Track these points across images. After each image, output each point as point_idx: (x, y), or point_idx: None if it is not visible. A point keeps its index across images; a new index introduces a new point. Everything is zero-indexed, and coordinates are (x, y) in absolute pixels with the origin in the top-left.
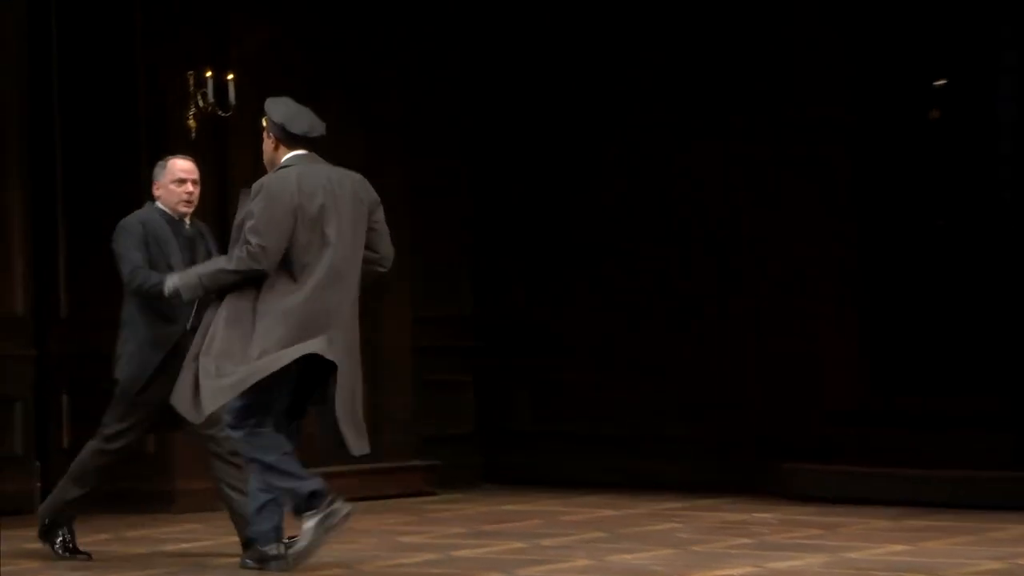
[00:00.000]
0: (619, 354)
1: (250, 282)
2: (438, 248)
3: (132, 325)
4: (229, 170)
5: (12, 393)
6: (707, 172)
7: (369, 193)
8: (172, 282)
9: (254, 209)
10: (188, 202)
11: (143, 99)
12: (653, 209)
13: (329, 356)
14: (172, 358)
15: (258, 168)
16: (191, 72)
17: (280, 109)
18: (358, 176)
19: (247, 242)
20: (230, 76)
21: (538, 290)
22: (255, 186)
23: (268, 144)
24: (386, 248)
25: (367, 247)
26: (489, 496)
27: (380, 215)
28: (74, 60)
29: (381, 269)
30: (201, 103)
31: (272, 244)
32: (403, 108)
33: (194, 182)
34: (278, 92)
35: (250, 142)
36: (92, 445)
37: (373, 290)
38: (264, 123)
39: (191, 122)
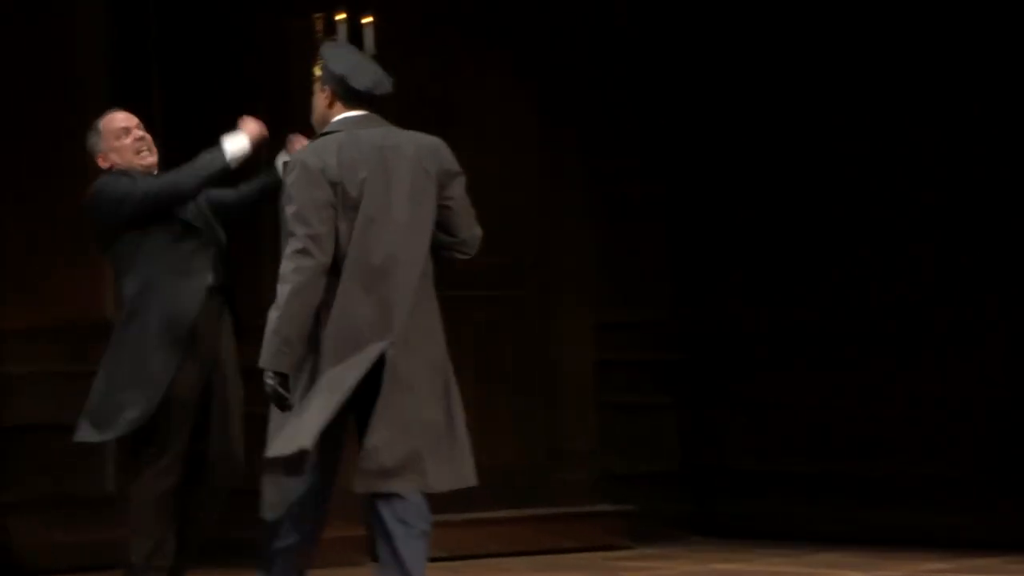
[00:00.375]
0: (866, 375)
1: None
2: (626, 238)
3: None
4: None
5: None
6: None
7: (440, 161)
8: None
9: (291, 190)
10: (148, 150)
11: (260, 49)
12: (905, 194)
13: (388, 363)
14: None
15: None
16: (319, 15)
17: (341, 57)
18: (430, 141)
19: (293, 234)
20: (367, 20)
21: (756, 290)
22: (292, 159)
23: (321, 99)
24: (467, 229)
25: (441, 228)
26: (697, 551)
27: (457, 189)
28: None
29: (461, 255)
30: None
31: (322, 230)
32: (584, 75)
33: (139, 126)
34: (424, 43)
35: (391, 101)
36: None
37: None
38: (318, 72)
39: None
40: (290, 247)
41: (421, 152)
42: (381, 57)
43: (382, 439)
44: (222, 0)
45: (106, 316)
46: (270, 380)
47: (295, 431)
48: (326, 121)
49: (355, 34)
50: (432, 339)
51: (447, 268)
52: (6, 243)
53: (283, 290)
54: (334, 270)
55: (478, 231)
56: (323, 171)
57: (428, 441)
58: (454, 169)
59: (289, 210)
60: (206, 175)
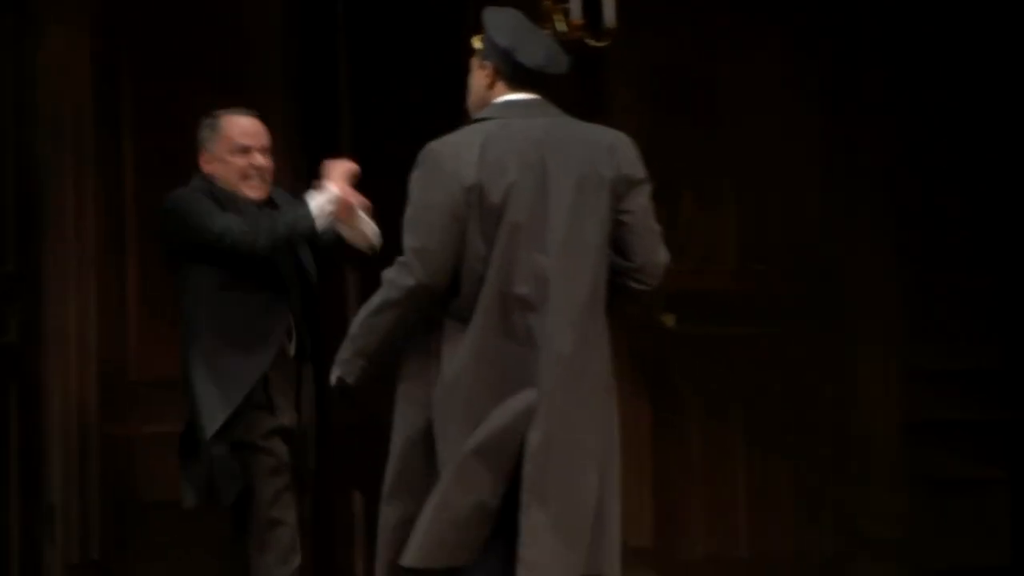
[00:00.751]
0: None
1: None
2: (940, 263)
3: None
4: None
5: None
6: None
7: (618, 163)
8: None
9: (412, 186)
10: (260, 181)
11: (473, 23)
12: None
13: (532, 436)
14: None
15: (643, 123)
16: None
17: (507, 26)
18: (609, 137)
19: (395, 263)
20: None
21: None
22: (425, 149)
23: (480, 78)
24: (645, 253)
25: (614, 250)
26: None
27: (638, 200)
28: None
29: (638, 286)
30: (561, 27)
31: (433, 245)
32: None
33: (263, 150)
34: (677, 13)
35: (641, 86)
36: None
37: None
38: (476, 44)
39: None
40: (400, 257)
41: (595, 151)
42: (624, 30)
43: (542, 555)
44: None
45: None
46: (335, 380)
47: (417, 534)
48: (484, 104)
49: (592, 3)
50: (596, 396)
51: (624, 302)
52: None
53: (375, 300)
54: (466, 299)
55: (662, 256)
56: (456, 171)
57: (584, 535)
58: (636, 175)
59: (408, 211)
60: (285, 238)
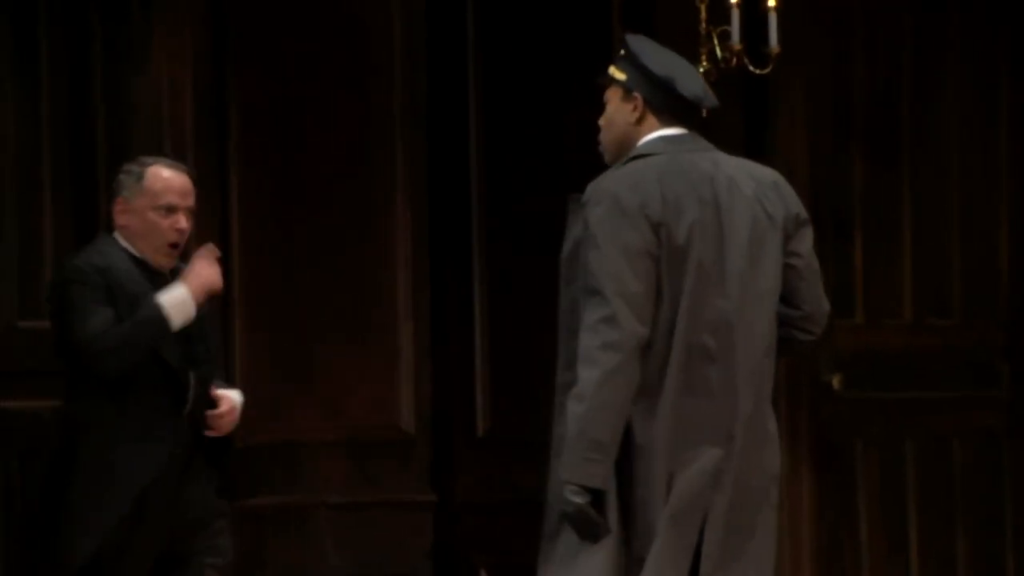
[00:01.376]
0: None
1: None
2: None
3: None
4: (760, 162)
5: (395, 565)
6: None
7: (786, 203)
8: None
9: (596, 231)
10: (174, 245)
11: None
12: None
13: (718, 500)
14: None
15: (822, 159)
16: (703, 1)
17: (660, 55)
18: (769, 175)
19: (597, 294)
20: (772, 3)
21: None
22: (589, 191)
23: (625, 111)
24: (814, 300)
25: (781, 298)
26: None
27: (806, 242)
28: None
29: (805, 337)
30: (721, 52)
31: (638, 288)
32: None
33: (188, 212)
34: (854, 32)
35: (805, 117)
36: None
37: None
38: (617, 74)
39: None
40: (594, 313)
41: (761, 190)
42: (789, 55)
43: None
44: None
45: (402, 428)
46: (576, 498)
47: None
48: (629, 141)
49: (755, 26)
50: (770, 446)
51: (786, 353)
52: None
53: (588, 375)
54: (656, 350)
55: (826, 304)
56: (642, 207)
57: None
58: (803, 214)
59: (593, 259)
60: (134, 348)
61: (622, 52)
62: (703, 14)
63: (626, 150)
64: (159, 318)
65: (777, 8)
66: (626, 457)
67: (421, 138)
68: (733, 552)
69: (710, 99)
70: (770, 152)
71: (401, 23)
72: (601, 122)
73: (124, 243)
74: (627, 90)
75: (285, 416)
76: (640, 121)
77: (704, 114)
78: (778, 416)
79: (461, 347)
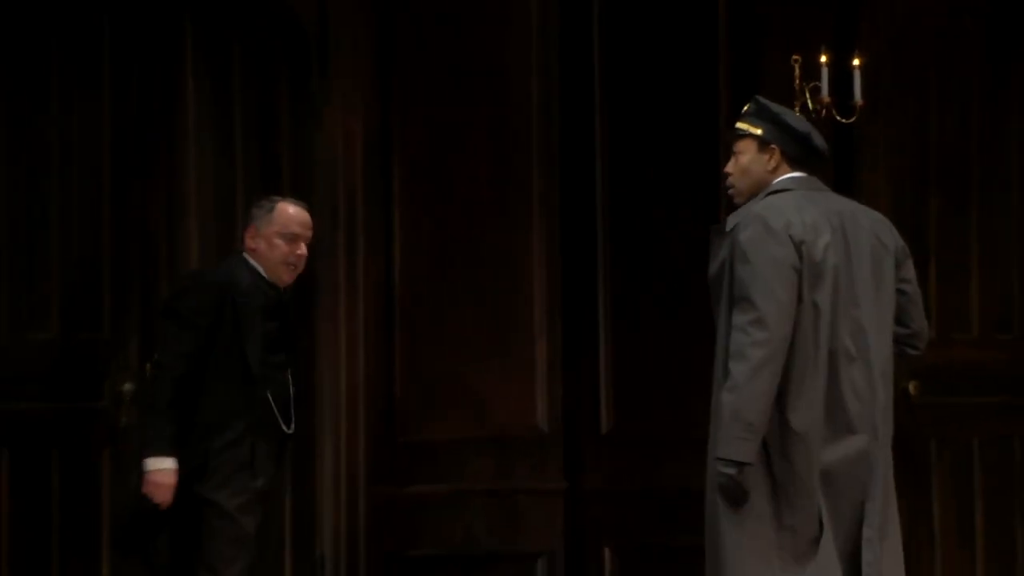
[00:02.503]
0: None
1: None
2: None
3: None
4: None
5: (533, 544)
6: None
7: (895, 237)
8: None
9: (747, 247)
10: (294, 267)
11: (725, 100)
12: None
13: (873, 479)
14: None
15: (901, 198)
16: (796, 57)
17: (793, 114)
18: (877, 214)
19: (747, 299)
20: (857, 62)
21: None
22: (736, 217)
23: (760, 161)
24: (920, 320)
25: (895, 319)
26: None
27: (912, 270)
28: (619, 46)
29: (912, 351)
30: (811, 104)
31: (782, 296)
32: None
33: (306, 241)
34: (929, 88)
35: (889, 161)
36: None
37: None
38: (753, 130)
39: None
40: (744, 316)
41: (876, 225)
42: (871, 107)
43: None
44: (683, 32)
45: (538, 427)
46: (728, 470)
47: None
48: (764, 185)
49: (842, 80)
50: (889, 442)
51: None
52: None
53: (741, 368)
54: (804, 350)
55: (927, 325)
56: (786, 227)
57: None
58: (907, 249)
59: (743, 272)
60: (143, 423)
61: (754, 110)
62: (797, 71)
63: (758, 193)
64: (144, 445)
65: (861, 66)
66: (784, 442)
67: (554, 184)
68: (887, 520)
69: (827, 149)
70: (856, 192)
71: (538, 79)
72: (732, 169)
73: (252, 262)
74: (764, 143)
75: (441, 419)
76: (776, 169)
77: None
78: None
79: (588, 359)
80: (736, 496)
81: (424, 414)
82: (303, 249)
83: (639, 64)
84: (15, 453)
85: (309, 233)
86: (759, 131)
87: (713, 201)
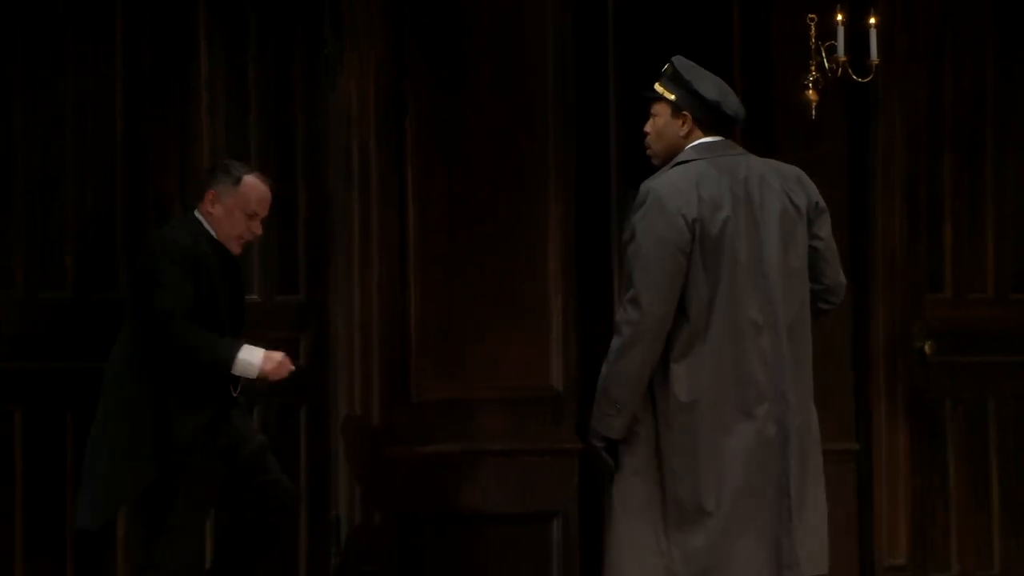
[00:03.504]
0: None
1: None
2: None
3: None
4: (871, 165)
5: (547, 504)
6: None
7: (808, 194)
8: None
9: (636, 226)
10: (246, 242)
11: (738, 59)
12: None
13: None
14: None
15: (916, 157)
16: (812, 16)
17: (709, 79)
18: (793, 171)
19: (630, 278)
20: (872, 21)
21: None
22: (643, 188)
23: (675, 126)
24: (834, 275)
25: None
26: None
27: (826, 227)
28: (633, 5)
29: (827, 306)
30: (827, 64)
31: (661, 276)
32: None
33: (263, 220)
34: (944, 46)
35: (903, 124)
36: None
37: None
38: (667, 95)
39: (810, 93)
40: (625, 294)
41: (787, 184)
42: (887, 66)
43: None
44: None
45: (553, 387)
46: (596, 442)
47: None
48: (677, 149)
49: (857, 40)
50: (810, 408)
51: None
52: (456, 306)
53: (614, 345)
54: (696, 325)
55: (843, 278)
56: (679, 207)
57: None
58: (822, 203)
59: (630, 249)
60: (198, 355)
61: (671, 73)
62: (812, 30)
63: (673, 155)
64: (226, 360)
65: (877, 25)
66: (669, 413)
67: (570, 144)
68: (804, 494)
69: (743, 113)
70: (872, 150)
71: (553, 39)
72: (650, 131)
73: (206, 225)
74: (677, 108)
75: (453, 377)
76: (689, 134)
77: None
78: (877, 379)
79: (603, 318)
80: (604, 466)
81: (438, 374)
82: (260, 228)
83: (653, 22)
84: (29, 413)
85: (267, 205)
86: (672, 96)
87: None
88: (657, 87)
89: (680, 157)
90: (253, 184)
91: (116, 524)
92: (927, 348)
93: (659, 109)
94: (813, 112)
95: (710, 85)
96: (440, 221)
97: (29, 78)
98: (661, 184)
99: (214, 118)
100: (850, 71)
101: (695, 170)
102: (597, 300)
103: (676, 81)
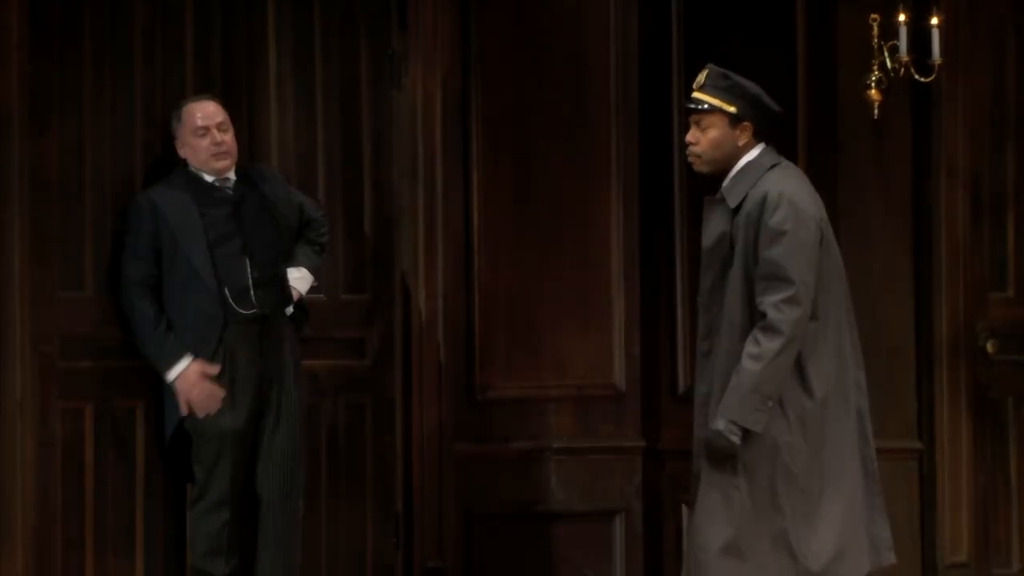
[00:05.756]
0: None
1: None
2: None
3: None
4: (935, 164)
5: (611, 501)
6: None
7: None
8: None
9: (784, 227)
10: (219, 155)
11: (802, 59)
12: None
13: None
14: None
15: (980, 155)
16: (875, 16)
17: (759, 89)
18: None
19: (781, 278)
20: (935, 21)
21: None
22: (736, 192)
23: (732, 136)
24: None
25: None
26: None
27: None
28: (697, 6)
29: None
30: (890, 63)
31: (811, 276)
32: None
33: (221, 127)
34: (1006, 44)
35: (967, 122)
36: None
37: None
38: (724, 105)
39: (873, 93)
40: (779, 294)
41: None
42: (948, 64)
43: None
44: None
45: (616, 385)
46: (734, 437)
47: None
48: (732, 160)
49: (920, 40)
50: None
51: None
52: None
53: (774, 343)
54: (821, 322)
55: None
56: (809, 209)
57: None
58: None
59: (775, 253)
60: (134, 330)
61: (724, 84)
62: (875, 30)
63: (727, 165)
64: (148, 355)
65: (940, 25)
66: (804, 405)
67: (633, 143)
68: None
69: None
70: (935, 149)
71: (616, 37)
72: (696, 140)
73: (192, 169)
74: (737, 119)
75: (519, 376)
76: (745, 144)
77: None
78: (940, 378)
79: (666, 318)
80: (726, 458)
81: (503, 372)
82: (220, 136)
83: (717, 24)
84: (98, 409)
85: (219, 118)
86: (732, 109)
87: (791, 160)
88: (713, 100)
89: (765, 161)
90: (191, 107)
91: (187, 519)
92: (990, 347)
93: (713, 121)
94: (876, 111)
95: (767, 96)
96: (505, 221)
97: (98, 81)
98: (788, 188)
99: (282, 118)
100: (913, 71)
101: (794, 173)
102: (660, 298)
103: (733, 92)
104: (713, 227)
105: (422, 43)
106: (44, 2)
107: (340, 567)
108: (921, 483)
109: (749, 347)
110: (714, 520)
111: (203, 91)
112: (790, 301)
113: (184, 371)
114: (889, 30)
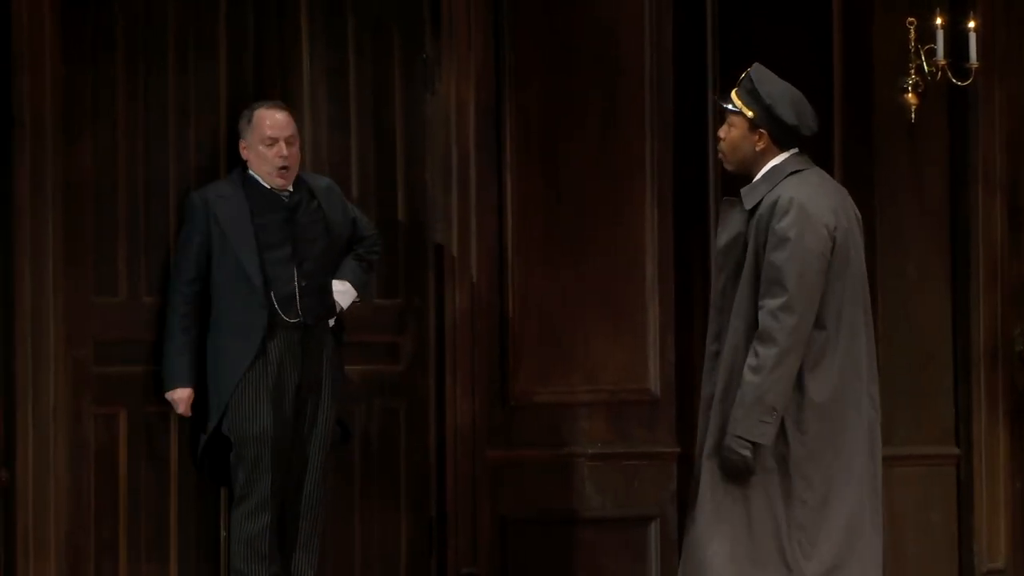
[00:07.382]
0: None
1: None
2: None
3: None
4: (971, 168)
5: (646, 507)
6: None
7: (857, 212)
8: None
9: (788, 234)
10: (282, 171)
11: (838, 62)
12: None
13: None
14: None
15: (1018, 159)
16: (912, 19)
17: (784, 93)
18: (841, 187)
19: (780, 285)
20: (972, 24)
21: None
22: (754, 194)
23: (750, 140)
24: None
25: None
26: None
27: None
28: (732, 12)
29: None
30: (926, 67)
31: (812, 283)
32: None
33: (289, 141)
34: None
35: (1003, 126)
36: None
37: None
38: (744, 109)
39: (909, 96)
40: (775, 301)
41: (849, 200)
42: (986, 68)
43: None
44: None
45: (650, 390)
46: (744, 451)
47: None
48: (752, 162)
49: (958, 43)
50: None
51: None
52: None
53: (770, 353)
54: (829, 331)
55: None
56: (821, 216)
57: None
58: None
59: (778, 257)
60: (166, 341)
61: (749, 88)
62: (912, 34)
63: (748, 167)
64: (166, 374)
65: (977, 28)
66: (801, 412)
67: (667, 150)
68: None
69: (816, 128)
70: (972, 153)
71: (651, 44)
72: (724, 137)
73: (250, 172)
74: (754, 125)
75: (553, 382)
76: (764, 151)
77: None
78: (977, 383)
79: (700, 322)
80: (742, 474)
81: (537, 378)
82: (285, 150)
83: (752, 28)
84: (132, 414)
85: (289, 131)
86: (751, 114)
87: (827, 169)
88: (736, 101)
89: (788, 166)
90: (262, 113)
91: (220, 524)
92: None
93: (736, 121)
94: (912, 115)
95: (788, 106)
96: (538, 226)
97: (132, 85)
98: (801, 194)
99: (315, 122)
100: (949, 74)
101: (816, 180)
102: (694, 304)
103: (754, 98)
104: (729, 228)
105: (455, 48)
106: (77, 7)
107: (374, 571)
108: (959, 489)
109: (749, 359)
110: (716, 526)
111: (237, 97)
112: (785, 308)
113: (178, 395)
114: (926, 33)
